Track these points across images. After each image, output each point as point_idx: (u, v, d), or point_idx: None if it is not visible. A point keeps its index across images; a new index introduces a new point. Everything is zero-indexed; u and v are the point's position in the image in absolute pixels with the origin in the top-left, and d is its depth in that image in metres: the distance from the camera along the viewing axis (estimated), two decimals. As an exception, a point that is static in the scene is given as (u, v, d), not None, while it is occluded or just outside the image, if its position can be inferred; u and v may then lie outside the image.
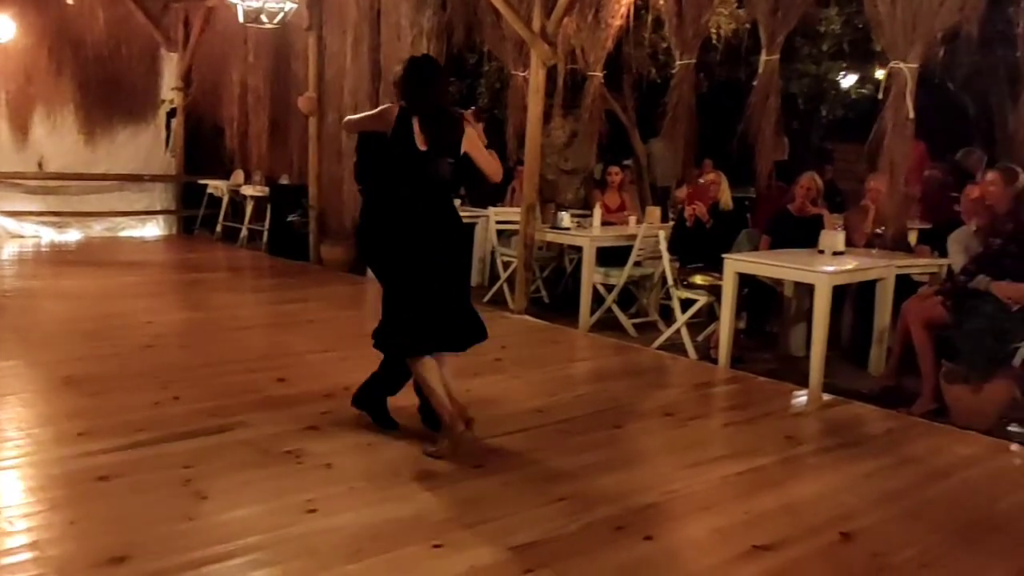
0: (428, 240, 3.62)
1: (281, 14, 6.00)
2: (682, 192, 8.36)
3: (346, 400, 4.39)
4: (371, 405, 4.02)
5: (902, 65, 4.74)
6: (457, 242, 3.77)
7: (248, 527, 2.94)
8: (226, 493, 3.24)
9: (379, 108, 3.79)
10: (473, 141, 3.69)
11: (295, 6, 6.17)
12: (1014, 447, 4.28)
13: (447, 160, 3.65)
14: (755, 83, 6.11)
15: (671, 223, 7.36)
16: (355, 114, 4.21)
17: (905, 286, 5.59)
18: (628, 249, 6.53)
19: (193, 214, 11.40)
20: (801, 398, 4.97)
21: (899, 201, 5.37)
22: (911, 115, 4.76)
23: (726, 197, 6.39)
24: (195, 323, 6.50)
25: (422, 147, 3.57)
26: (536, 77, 6.68)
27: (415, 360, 3.68)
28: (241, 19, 6.12)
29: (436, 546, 2.87)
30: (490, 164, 3.80)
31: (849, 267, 5.32)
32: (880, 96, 5.07)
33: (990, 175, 4.77)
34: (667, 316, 6.40)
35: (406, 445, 3.79)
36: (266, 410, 4.19)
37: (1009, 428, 4.60)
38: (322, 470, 3.50)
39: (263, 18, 5.93)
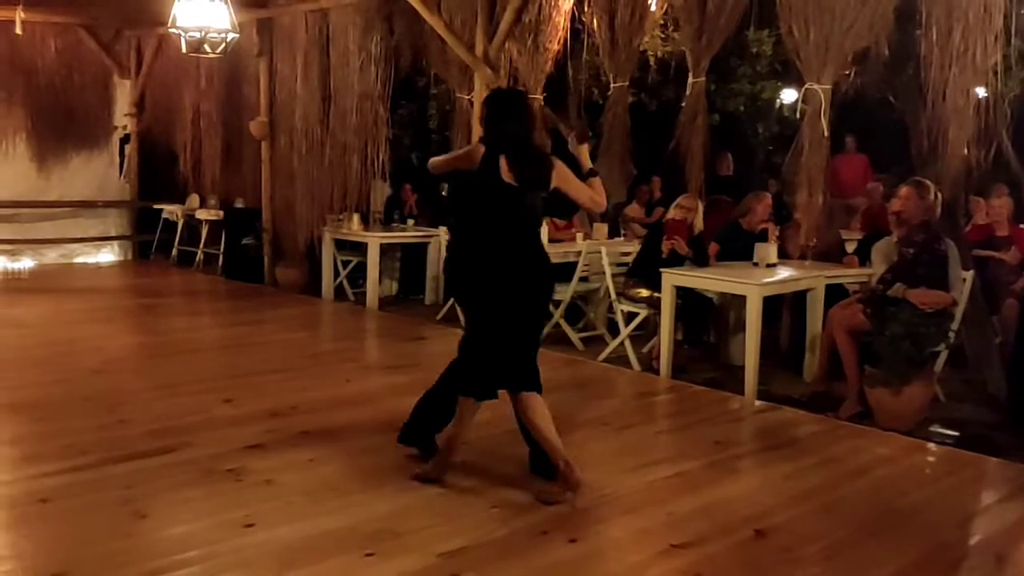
0: (514, 277, 3.53)
1: (224, 44, 6.12)
2: (632, 210, 8.59)
3: (292, 418, 4.50)
4: (424, 438, 3.90)
5: (816, 86, 5.00)
6: (541, 282, 3.65)
7: (185, 543, 3.04)
8: (165, 511, 3.33)
9: (467, 147, 3.72)
10: (563, 175, 3.57)
11: (236, 36, 6.29)
12: (930, 446, 4.50)
13: (539, 195, 3.57)
14: (683, 104, 6.34)
15: (620, 239, 7.58)
16: (440, 156, 3.93)
17: (841, 295, 5.81)
18: (576, 265, 6.70)
19: (148, 239, 11.41)
20: (735, 405, 5.16)
21: (818, 214, 5.59)
22: (826, 133, 5.00)
23: (699, 221, 6.44)
24: (146, 347, 6.55)
25: (511, 182, 3.47)
26: (480, 100, 6.86)
27: (527, 399, 3.56)
28: (184, 49, 6.24)
29: (368, 555, 2.99)
30: (583, 193, 3.65)
31: (777, 279, 5.54)
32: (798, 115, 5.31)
33: (904, 189, 5.01)
34: (615, 330, 6.56)
35: (347, 460, 3.90)
36: (211, 430, 4.29)
37: (931, 428, 4.83)
38: (262, 487, 3.60)
39: (206, 47, 6.04)
